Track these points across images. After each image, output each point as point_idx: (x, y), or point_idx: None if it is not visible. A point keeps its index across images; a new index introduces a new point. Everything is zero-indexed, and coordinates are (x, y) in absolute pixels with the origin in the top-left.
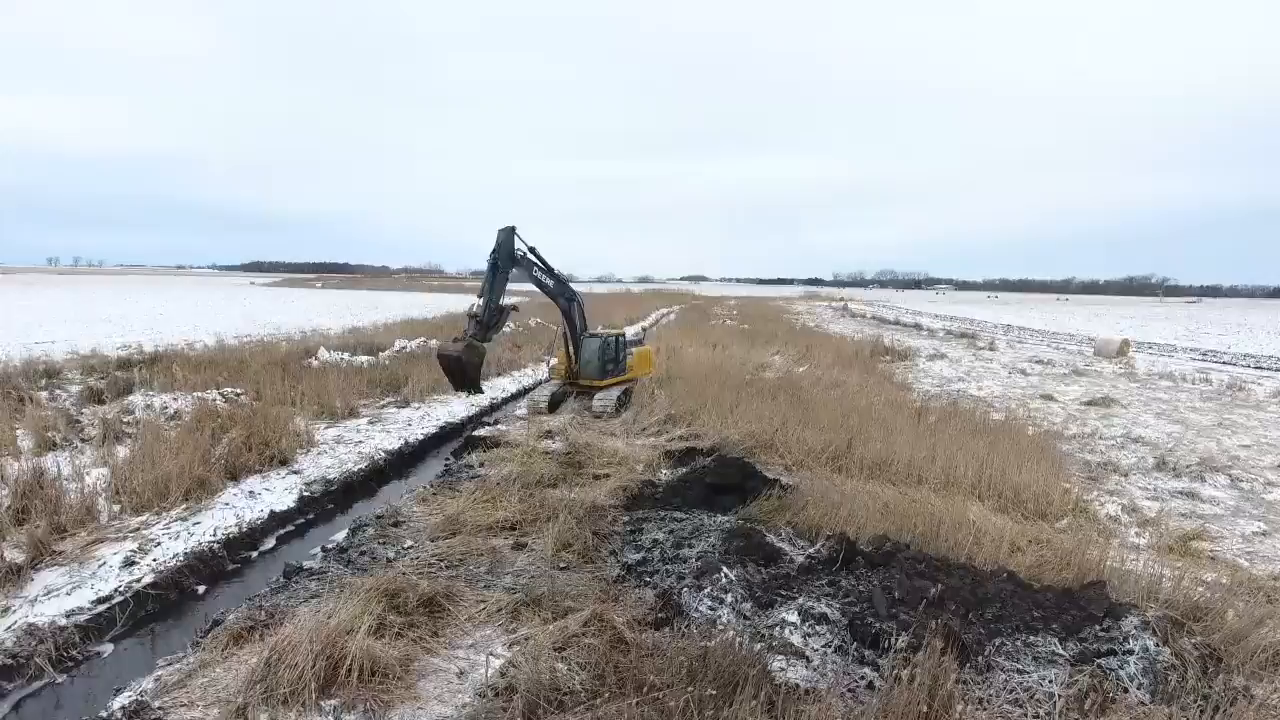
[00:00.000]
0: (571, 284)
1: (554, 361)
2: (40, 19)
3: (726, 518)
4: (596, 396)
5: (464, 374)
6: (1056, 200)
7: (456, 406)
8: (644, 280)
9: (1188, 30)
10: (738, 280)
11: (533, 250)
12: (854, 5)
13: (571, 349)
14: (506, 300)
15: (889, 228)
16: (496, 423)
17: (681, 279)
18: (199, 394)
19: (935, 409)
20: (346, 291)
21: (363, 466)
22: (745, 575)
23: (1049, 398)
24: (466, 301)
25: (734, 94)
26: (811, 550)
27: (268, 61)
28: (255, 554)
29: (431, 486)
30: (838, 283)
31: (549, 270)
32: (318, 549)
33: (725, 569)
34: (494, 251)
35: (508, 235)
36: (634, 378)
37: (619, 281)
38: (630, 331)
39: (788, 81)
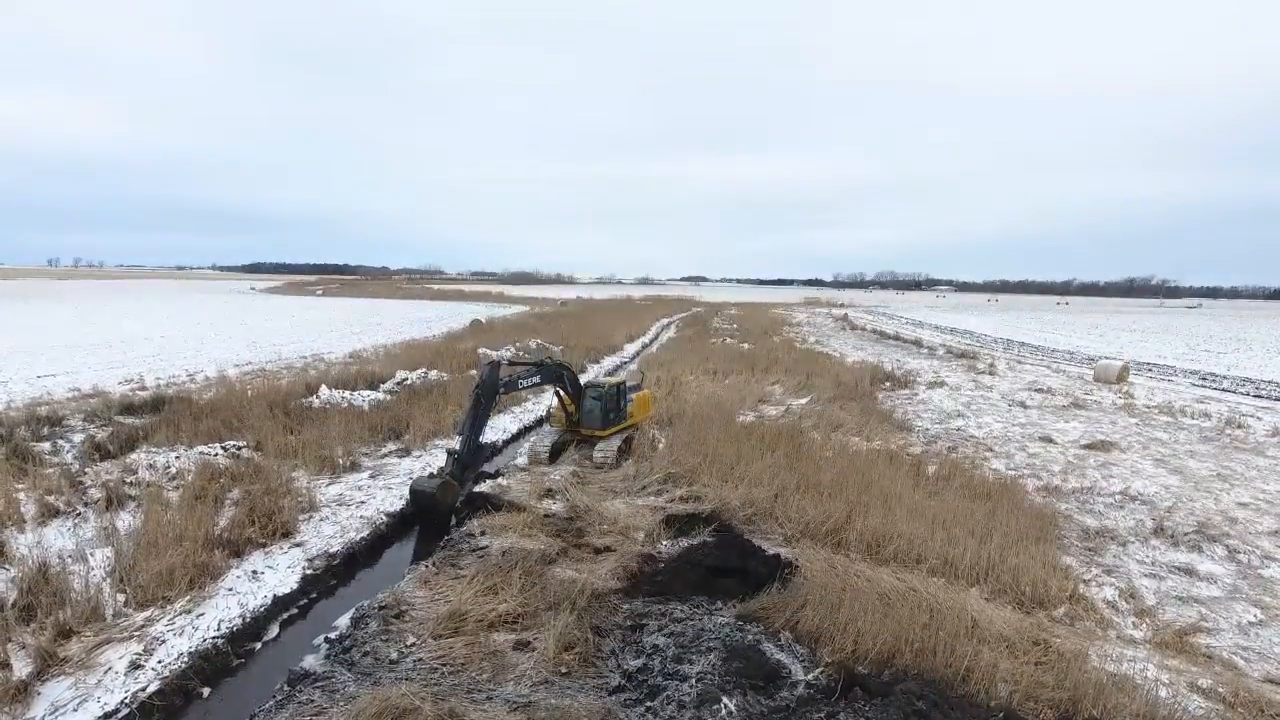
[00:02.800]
0: (570, 285)
1: (554, 406)
2: (40, 18)
3: (726, 618)
4: (598, 447)
5: (434, 512)
6: (1058, 199)
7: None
8: (644, 281)
9: (1189, 28)
10: (738, 281)
11: (512, 363)
12: (854, 3)
13: (570, 401)
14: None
15: (889, 227)
16: (498, 474)
17: (682, 279)
18: (202, 449)
19: (935, 455)
20: (346, 299)
21: (365, 534)
22: (745, 705)
23: (1048, 440)
24: (465, 312)
25: (735, 93)
26: (810, 677)
27: (268, 62)
28: (259, 644)
29: (434, 565)
30: (837, 284)
31: (533, 369)
32: (321, 639)
33: (725, 699)
34: (477, 386)
35: (490, 371)
36: (635, 424)
37: (619, 283)
38: (630, 350)
39: (789, 80)
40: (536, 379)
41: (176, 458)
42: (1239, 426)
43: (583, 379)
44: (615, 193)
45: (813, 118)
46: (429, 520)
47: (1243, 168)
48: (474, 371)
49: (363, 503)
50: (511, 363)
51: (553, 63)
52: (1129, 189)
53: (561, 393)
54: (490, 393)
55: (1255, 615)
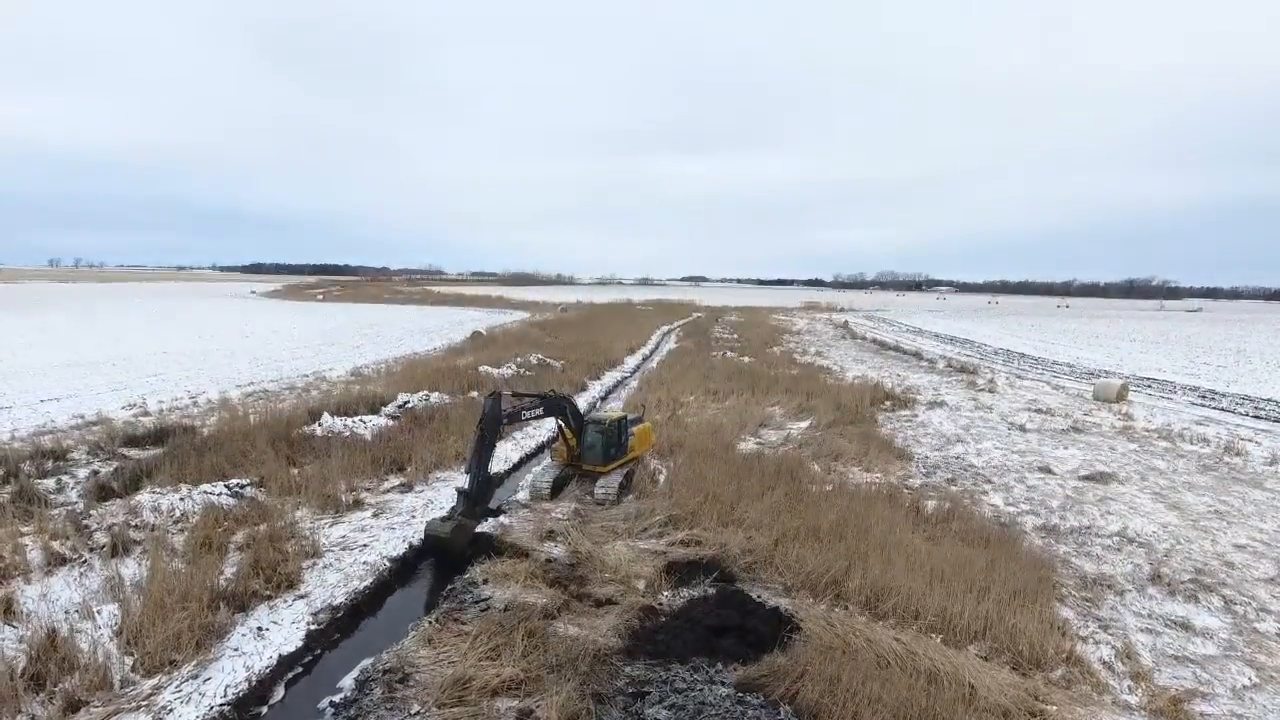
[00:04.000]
0: (571, 285)
1: (555, 444)
2: (40, 19)
3: (727, 688)
4: (599, 484)
5: (448, 553)
6: (1058, 198)
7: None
8: (645, 281)
9: (1191, 27)
10: (738, 282)
11: (515, 395)
12: (855, 2)
13: (572, 434)
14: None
15: (889, 226)
16: (500, 510)
17: (682, 279)
18: (206, 488)
19: (935, 488)
20: (346, 305)
21: (369, 582)
22: None
23: (1046, 470)
24: (465, 319)
25: (736, 92)
26: None
27: (268, 61)
28: (265, 709)
29: (437, 621)
30: (838, 284)
31: (536, 402)
32: (326, 703)
33: None
34: (480, 422)
35: (494, 404)
36: (636, 457)
37: (620, 283)
38: (631, 363)
39: (790, 79)
40: (539, 410)
41: (181, 499)
42: (1237, 454)
43: (585, 397)
44: (616, 192)
45: (815, 117)
46: (444, 559)
47: (1245, 168)
48: (475, 393)
49: (366, 545)
50: (515, 394)
51: (552, 61)
52: (1129, 188)
53: (563, 425)
54: (494, 426)
55: (1250, 678)
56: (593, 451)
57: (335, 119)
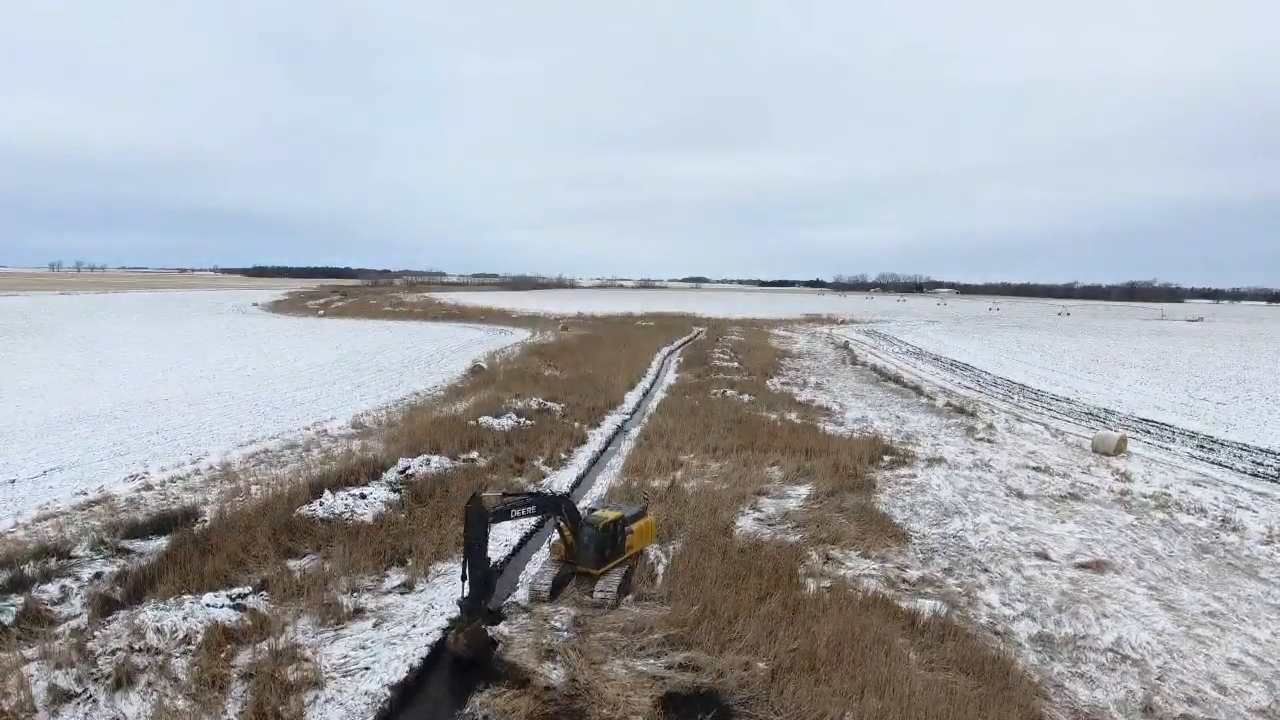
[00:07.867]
0: (572, 289)
1: (554, 539)
2: (42, 19)
3: None
4: (598, 585)
5: (466, 662)
6: (1059, 199)
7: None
8: (645, 283)
9: (1192, 26)
10: (739, 283)
11: (504, 495)
12: (857, 3)
13: (570, 531)
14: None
15: (890, 225)
16: (500, 615)
17: (683, 280)
18: (209, 600)
19: (931, 582)
20: (345, 323)
21: None
22: None
23: (1044, 555)
24: (465, 342)
25: (735, 90)
26: None
27: (270, 63)
28: None
29: None
30: (839, 285)
31: (529, 499)
32: None
33: None
34: (466, 527)
35: (475, 506)
36: (637, 553)
37: (620, 286)
38: (631, 401)
39: (791, 78)
40: (531, 508)
41: (184, 618)
42: (1233, 529)
43: (585, 451)
44: (616, 191)
45: (817, 117)
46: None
47: (1246, 167)
48: (475, 454)
49: (367, 669)
50: (506, 494)
51: (552, 61)
52: (1130, 189)
53: (561, 524)
54: (480, 528)
55: None
56: (587, 553)
57: (337, 121)
